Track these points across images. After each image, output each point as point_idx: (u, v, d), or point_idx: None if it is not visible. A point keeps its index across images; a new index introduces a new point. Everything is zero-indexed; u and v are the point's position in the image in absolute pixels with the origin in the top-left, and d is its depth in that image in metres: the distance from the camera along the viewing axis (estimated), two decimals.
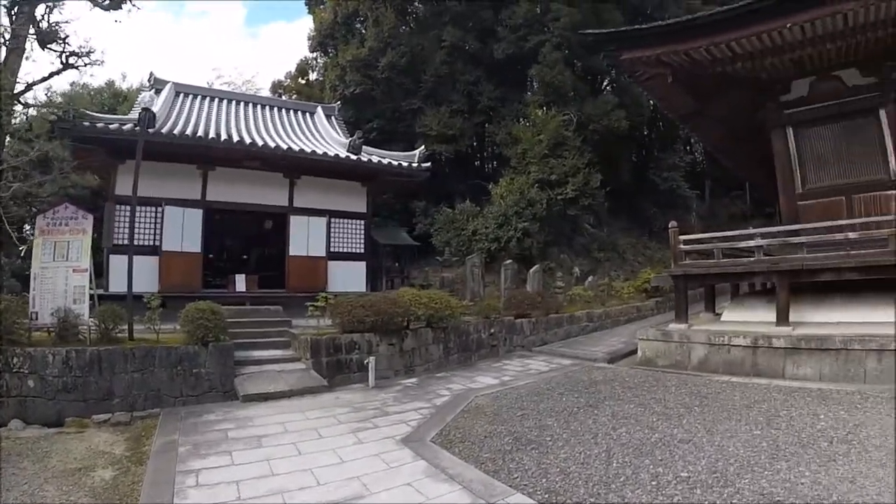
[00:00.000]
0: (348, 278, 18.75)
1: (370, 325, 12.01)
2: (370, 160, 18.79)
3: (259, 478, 6.10)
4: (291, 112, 23.23)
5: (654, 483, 5.66)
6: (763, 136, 14.53)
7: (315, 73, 40.95)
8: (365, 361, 11.36)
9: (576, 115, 26.02)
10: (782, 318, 11.16)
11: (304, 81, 41.29)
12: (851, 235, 10.88)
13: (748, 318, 12.40)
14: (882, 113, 12.49)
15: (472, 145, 31.94)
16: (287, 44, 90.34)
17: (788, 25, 10.84)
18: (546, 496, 5.48)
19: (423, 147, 20.81)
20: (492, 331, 15.16)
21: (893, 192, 12.07)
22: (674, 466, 6.08)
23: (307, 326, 13.20)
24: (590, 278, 22.74)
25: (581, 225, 26.54)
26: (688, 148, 37.57)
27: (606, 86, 32.88)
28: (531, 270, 19.48)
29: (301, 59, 42.08)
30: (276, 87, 42.39)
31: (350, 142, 19.09)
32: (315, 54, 39.82)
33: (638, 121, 29.31)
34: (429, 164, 20.24)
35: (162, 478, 6.10)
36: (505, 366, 13.39)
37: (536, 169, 23.76)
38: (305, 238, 18.35)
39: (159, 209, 15.98)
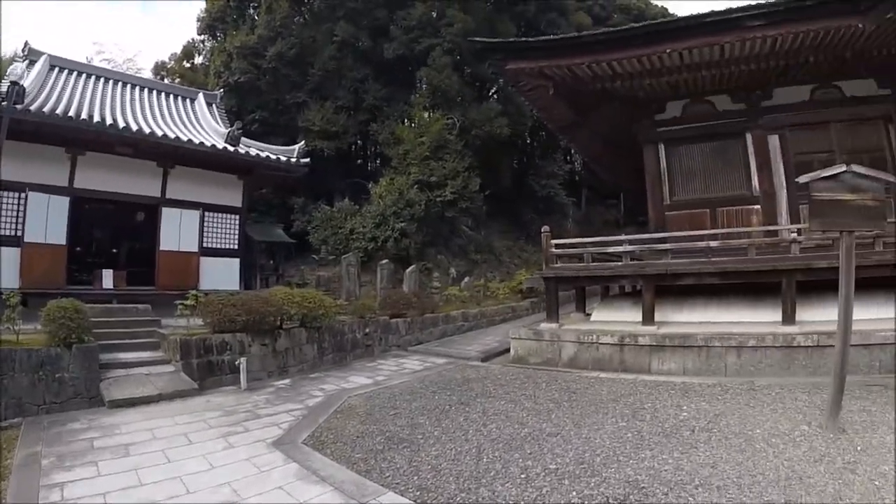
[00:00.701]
0: (221, 276, 18.10)
1: (242, 324, 11.67)
2: (248, 153, 18.17)
3: (127, 489, 5.84)
4: (171, 97, 22.17)
5: (523, 476, 5.90)
6: (637, 149, 15.53)
7: (201, 58, 39.66)
8: (237, 363, 10.99)
9: (460, 119, 26.50)
10: (648, 318, 12.06)
11: (188, 65, 40.09)
12: (713, 244, 12.01)
13: (616, 318, 13.25)
14: (748, 136, 14.13)
15: (356, 143, 31.91)
16: (177, 23, 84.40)
17: (668, 51, 11.83)
18: (418, 493, 5.58)
19: (302, 142, 20.61)
20: (367, 330, 15.12)
21: (755, 206, 13.58)
22: (542, 459, 6.36)
23: (177, 326, 12.56)
24: (466, 279, 23.18)
25: (459, 227, 27.05)
26: (567, 158, 39.15)
27: (493, 93, 33.62)
28: (408, 270, 19.72)
29: (188, 41, 40.96)
30: (159, 68, 40.91)
31: (229, 132, 18.42)
32: (203, 37, 38.63)
33: (520, 129, 30.23)
34: (307, 159, 19.97)
35: (24, 495, 5.71)
36: (380, 365, 13.41)
37: (417, 170, 24.05)
38: (177, 232, 17.57)
39: (22, 195, 14.63)
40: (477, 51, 14.66)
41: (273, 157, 18.82)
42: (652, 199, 14.75)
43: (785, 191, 13.65)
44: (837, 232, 7.10)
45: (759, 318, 11.64)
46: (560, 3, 36.09)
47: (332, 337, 13.84)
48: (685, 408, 8.26)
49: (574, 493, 5.39)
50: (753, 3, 11.28)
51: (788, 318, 11.06)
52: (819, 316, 11.10)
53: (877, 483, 5.27)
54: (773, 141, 14.00)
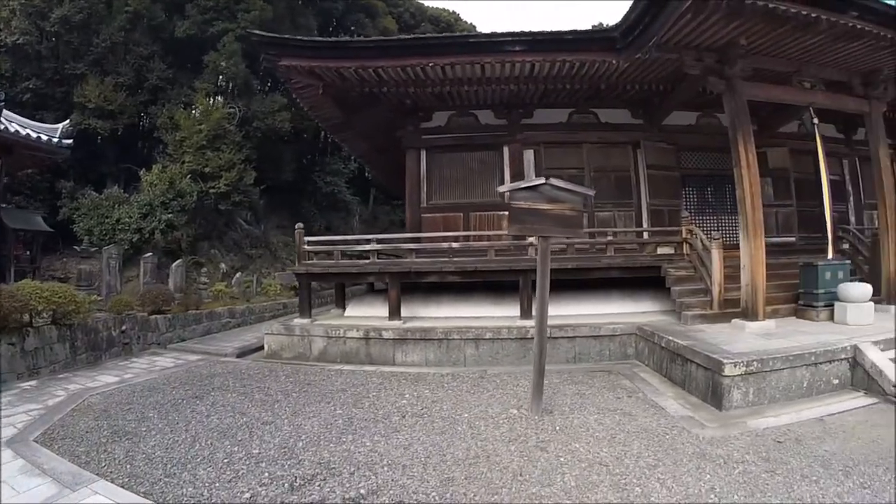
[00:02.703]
0: None
1: None
2: (6, 128, 15.98)
3: None
4: None
5: (226, 461, 6.28)
6: (401, 153, 16.57)
7: None
8: None
9: (242, 109, 26.20)
10: (394, 313, 13.01)
11: None
12: (455, 245, 13.22)
13: (369, 314, 14.08)
14: (506, 149, 15.68)
15: (137, 125, 30.27)
16: None
17: (431, 65, 12.76)
18: (127, 479, 5.80)
19: (67, 121, 19.13)
20: (124, 328, 14.49)
21: (505, 212, 14.71)
22: (249, 445, 6.79)
23: None
24: (238, 274, 23.01)
25: (236, 220, 26.65)
26: (354, 157, 39.21)
27: (281, 86, 33.00)
28: (173, 265, 19.31)
29: None
30: None
31: None
32: None
33: (305, 125, 29.61)
34: (70, 140, 18.36)
35: None
36: (132, 364, 12.97)
37: (192, 159, 23.31)
38: None
39: None
40: (254, 43, 14.88)
41: (33, 135, 16.98)
42: (410, 201, 15.86)
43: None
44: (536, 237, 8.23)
45: (503, 314, 13.08)
46: (368, 4, 36.69)
47: (85, 335, 13.09)
48: (407, 395, 9.05)
49: (266, 475, 5.88)
50: (524, 30, 12.56)
51: (525, 312, 12.55)
52: (562, 311, 12.73)
53: (562, 459, 6.08)
54: (529, 155, 15.77)
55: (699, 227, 15.26)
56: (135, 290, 17.66)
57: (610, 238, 13.67)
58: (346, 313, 14.90)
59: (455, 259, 13.10)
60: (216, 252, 24.66)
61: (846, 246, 15.34)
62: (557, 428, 7.19)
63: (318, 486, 5.58)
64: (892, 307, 12.44)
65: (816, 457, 6.08)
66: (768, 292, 12.36)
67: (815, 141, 12.87)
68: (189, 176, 22.75)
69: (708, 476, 5.62)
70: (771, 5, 9.49)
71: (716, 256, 11.53)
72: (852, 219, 18.44)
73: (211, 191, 22.96)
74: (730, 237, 15.84)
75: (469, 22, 49.87)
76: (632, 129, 16.12)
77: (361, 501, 5.23)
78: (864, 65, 12.26)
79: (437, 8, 47.71)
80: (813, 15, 9.84)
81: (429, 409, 8.18)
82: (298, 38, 13.89)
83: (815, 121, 12.81)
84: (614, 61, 12.43)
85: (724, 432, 6.99)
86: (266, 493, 5.45)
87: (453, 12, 48.93)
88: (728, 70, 11.25)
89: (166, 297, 16.63)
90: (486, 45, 12.81)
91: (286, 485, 5.62)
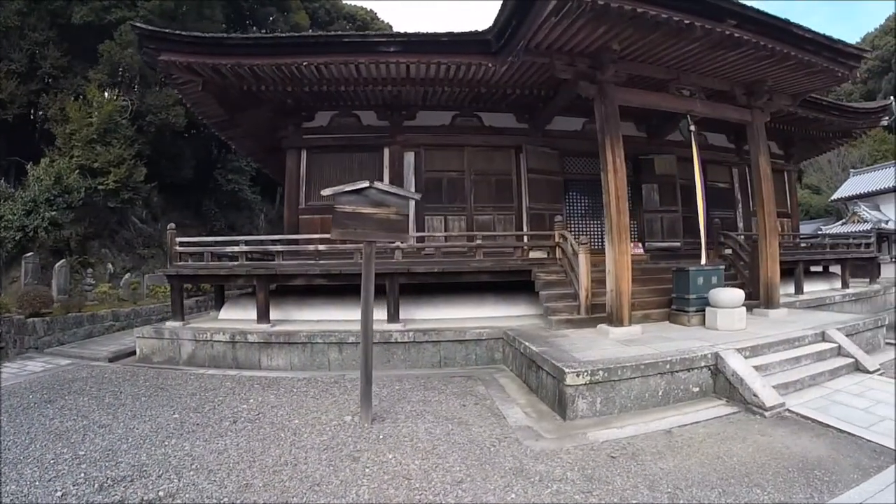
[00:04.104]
0: None
1: None
2: None
3: None
4: None
5: (52, 461, 6.36)
6: (283, 153, 16.43)
7: None
8: None
9: (135, 102, 25.42)
10: (262, 317, 12.92)
11: None
12: (321, 247, 13.14)
13: (242, 317, 13.93)
14: (386, 151, 15.68)
15: (28, 116, 29.15)
16: None
17: (305, 64, 12.70)
18: None
19: None
20: None
21: None
22: (78, 447, 6.85)
23: None
24: (126, 275, 22.38)
25: (129, 219, 25.90)
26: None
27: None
28: (57, 265, 18.59)
29: None
30: None
31: None
32: None
33: (203, 120, 29.24)
34: None
35: None
36: (3, 369, 12.63)
37: (81, 153, 22.42)
38: None
39: None
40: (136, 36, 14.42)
41: None
42: (288, 202, 15.78)
43: (413, 202, 15.04)
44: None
45: (376, 317, 12.68)
46: None
47: None
48: (251, 400, 9.04)
49: (83, 475, 5.96)
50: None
51: (392, 316, 12.57)
52: (434, 315, 13.07)
53: (368, 470, 6.02)
54: (409, 157, 15.85)
55: (583, 231, 15.52)
56: (17, 292, 17.09)
57: (479, 242, 13.77)
58: (220, 316, 14.76)
59: (322, 262, 13.07)
60: (107, 252, 23.94)
61: (728, 251, 15.61)
62: (381, 437, 7.15)
63: (125, 487, 5.71)
64: (769, 311, 12.72)
65: (646, 476, 5.87)
66: (643, 297, 12.61)
67: (693, 148, 13.11)
68: (77, 171, 21.86)
69: (513, 496, 5.46)
70: (640, 10, 9.49)
71: (583, 261, 11.74)
72: (741, 225, 19.12)
73: (99, 187, 22.08)
74: None
75: (385, 21, 50.01)
76: (515, 134, 16.38)
77: (158, 503, 5.36)
78: (747, 75, 12.58)
79: (353, 6, 47.70)
80: (686, 21, 9.90)
81: (264, 415, 8.19)
82: (177, 32, 13.49)
83: (692, 128, 13.14)
84: (490, 64, 12.55)
85: (558, 445, 6.81)
86: (77, 492, 5.62)
87: (370, 11, 48.99)
88: (600, 75, 11.30)
89: (45, 299, 16.18)
90: (361, 45, 12.84)
91: (97, 485, 5.74)
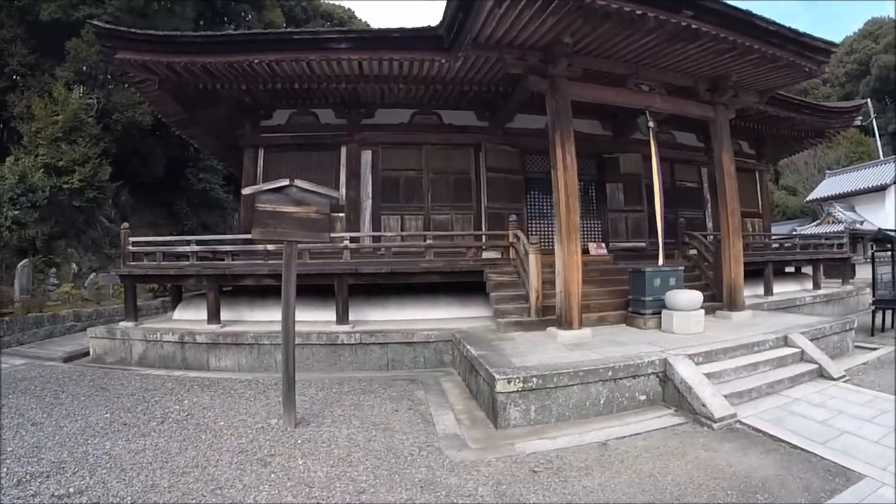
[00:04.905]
0: None
1: None
2: None
3: None
4: None
5: None
6: (241, 151, 16.33)
7: None
8: None
9: (102, 100, 25.24)
10: (212, 317, 12.88)
11: None
12: (270, 248, 13.07)
13: (193, 317, 13.90)
14: (343, 149, 15.60)
15: None
16: None
17: (257, 61, 12.65)
18: None
19: None
20: None
21: (340, 214, 15.06)
22: (7, 444, 6.92)
23: None
24: (91, 275, 22.10)
25: (96, 218, 25.65)
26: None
27: None
28: (19, 265, 18.42)
29: None
30: None
31: None
32: None
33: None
34: None
35: None
36: None
37: (46, 152, 22.30)
38: None
39: None
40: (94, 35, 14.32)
41: None
42: (245, 201, 15.45)
43: (370, 201, 15.50)
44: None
45: (326, 318, 12.90)
46: None
47: None
48: (186, 401, 8.99)
49: (5, 470, 6.06)
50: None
51: (340, 317, 12.51)
52: (387, 316, 13.05)
53: (273, 476, 5.96)
54: (367, 156, 15.76)
55: (544, 231, 15.24)
56: None
57: (430, 242, 13.73)
58: (174, 316, 14.71)
59: (270, 262, 13.00)
60: (73, 251, 23.85)
61: (693, 252, 15.43)
62: (299, 441, 7.07)
63: (40, 482, 5.80)
64: (732, 314, 12.50)
65: (566, 494, 5.50)
66: (600, 299, 12.50)
67: (651, 145, 12.88)
68: (42, 170, 21.71)
69: None
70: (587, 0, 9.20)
71: (533, 261, 11.65)
72: (710, 225, 19.14)
73: (64, 186, 21.93)
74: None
75: (363, 20, 50.04)
76: (475, 132, 16.29)
77: (65, 499, 5.42)
78: (710, 70, 12.37)
79: (331, 4, 47.90)
80: (639, 12, 9.59)
81: (192, 416, 8.18)
82: (132, 30, 13.43)
83: (651, 124, 12.89)
84: (444, 60, 12.46)
85: (480, 456, 6.51)
86: None
87: (348, 9, 49.32)
88: (552, 69, 11.09)
89: (6, 298, 16.20)
90: (312, 42, 12.77)
91: (15, 480, 5.85)
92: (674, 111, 13.08)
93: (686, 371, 8.16)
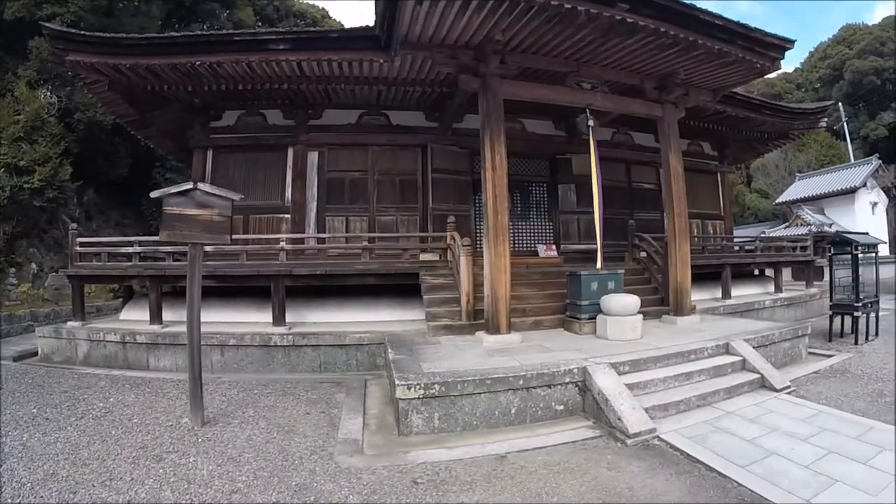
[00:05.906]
0: None
1: None
2: None
3: None
4: None
5: None
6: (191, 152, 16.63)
7: None
8: None
9: (64, 99, 25.15)
10: (154, 317, 13.27)
11: None
12: (209, 249, 12.91)
13: (139, 318, 14.20)
14: (290, 151, 15.93)
15: None
16: None
17: (198, 63, 12.92)
18: None
19: None
20: None
21: (286, 215, 15.54)
22: None
23: None
24: (51, 275, 22.37)
25: (60, 218, 25.51)
26: None
27: None
28: None
29: None
30: None
31: None
32: None
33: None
34: None
35: None
36: None
37: (7, 151, 22.05)
38: None
39: None
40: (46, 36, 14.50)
41: None
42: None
43: (316, 202, 15.83)
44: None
45: (265, 319, 13.17)
46: None
47: None
48: (111, 399, 9.35)
49: None
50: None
51: (277, 319, 12.83)
52: (326, 318, 13.45)
53: (160, 473, 6.18)
54: (313, 157, 16.07)
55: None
56: None
57: (366, 244, 14.05)
58: (122, 316, 15.15)
59: (209, 263, 13.12)
60: (35, 251, 23.74)
61: (643, 254, 15.54)
62: (199, 440, 7.31)
63: None
64: (679, 319, 12.56)
65: None
66: (539, 302, 12.65)
67: (591, 144, 12.94)
68: (3, 169, 21.65)
69: None
70: None
71: (464, 263, 11.82)
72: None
73: (25, 186, 21.81)
74: (525, 244, 15.92)
75: (338, 20, 50.08)
76: (423, 132, 16.56)
77: None
78: (654, 67, 12.43)
79: (304, 3, 48.10)
80: (567, 6, 9.47)
81: (111, 413, 8.53)
82: (81, 32, 13.74)
83: (591, 123, 12.92)
84: (382, 60, 12.65)
85: (369, 463, 6.45)
86: None
87: (321, 9, 49.48)
88: (484, 68, 11.18)
89: None
90: (251, 43, 13.03)
91: None
92: (617, 110, 13.19)
93: (604, 381, 7.93)
